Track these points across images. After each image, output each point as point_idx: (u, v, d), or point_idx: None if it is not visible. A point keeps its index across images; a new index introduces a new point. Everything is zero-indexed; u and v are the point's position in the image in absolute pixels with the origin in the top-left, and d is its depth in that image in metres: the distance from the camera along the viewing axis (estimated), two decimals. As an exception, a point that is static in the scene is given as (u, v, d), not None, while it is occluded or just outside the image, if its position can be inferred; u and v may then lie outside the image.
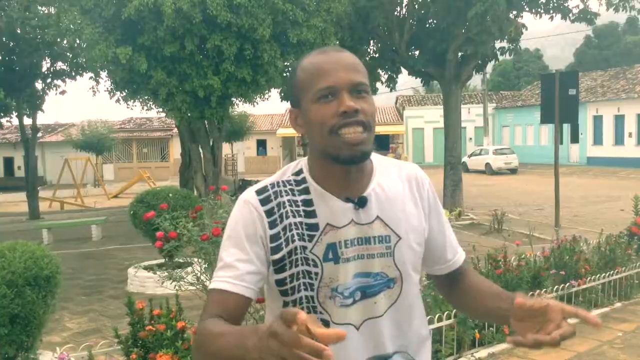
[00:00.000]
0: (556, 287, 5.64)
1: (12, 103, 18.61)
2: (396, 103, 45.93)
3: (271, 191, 1.31)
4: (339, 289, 1.27)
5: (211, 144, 13.97)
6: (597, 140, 33.83)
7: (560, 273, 5.82)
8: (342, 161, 1.25)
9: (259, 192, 1.32)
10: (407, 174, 1.38)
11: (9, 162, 39.30)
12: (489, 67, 53.35)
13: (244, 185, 18.28)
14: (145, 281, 7.63)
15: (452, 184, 14.44)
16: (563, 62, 68.87)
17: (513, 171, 31.54)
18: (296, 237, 1.27)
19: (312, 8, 10.73)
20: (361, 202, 1.29)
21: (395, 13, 13.92)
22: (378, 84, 16.71)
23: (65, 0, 10.75)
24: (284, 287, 1.29)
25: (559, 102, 9.85)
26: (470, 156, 35.17)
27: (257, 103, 14.02)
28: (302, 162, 1.36)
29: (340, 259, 1.27)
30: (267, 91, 12.87)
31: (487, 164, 32.36)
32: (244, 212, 1.30)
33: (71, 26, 11.20)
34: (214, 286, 1.25)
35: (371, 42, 15.55)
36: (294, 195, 1.30)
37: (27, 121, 19.47)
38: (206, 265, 3.92)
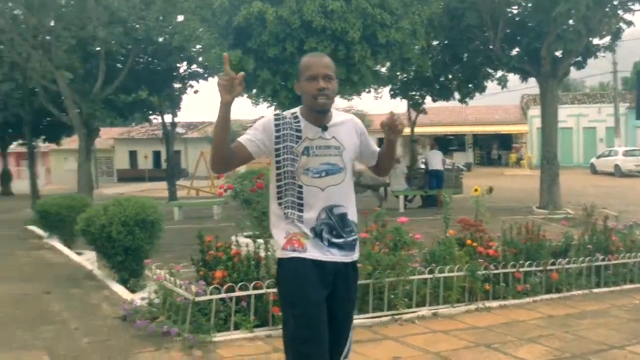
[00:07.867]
0: (581, 258, 6.23)
1: (155, 101, 21.35)
2: (521, 102, 44.51)
3: (280, 116, 2.62)
4: (310, 169, 2.55)
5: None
6: None
7: (587, 247, 6.39)
8: (317, 111, 2.57)
9: (275, 115, 2.63)
10: (352, 120, 2.75)
11: (157, 155, 43.77)
12: (628, 65, 49.85)
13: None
14: (241, 245, 9.18)
15: (548, 178, 14.53)
16: None
17: (645, 173, 29.84)
18: (287, 140, 2.54)
19: (400, 12, 11.65)
20: (324, 128, 2.59)
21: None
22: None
23: (188, 11, 12.66)
24: (278, 163, 2.57)
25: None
26: (598, 157, 33.68)
27: (353, 99, 15.07)
28: (297, 110, 2.62)
29: (311, 154, 2.56)
30: (361, 88, 13.96)
31: (616, 166, 30.80)
32: (266, 121, 2.60)
33: (194, 33, 13.12)
34: (239, 139, 2.58)
35: (476, 41, 15.96)
36: (291, 123, 2.57)
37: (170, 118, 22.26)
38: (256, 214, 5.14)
